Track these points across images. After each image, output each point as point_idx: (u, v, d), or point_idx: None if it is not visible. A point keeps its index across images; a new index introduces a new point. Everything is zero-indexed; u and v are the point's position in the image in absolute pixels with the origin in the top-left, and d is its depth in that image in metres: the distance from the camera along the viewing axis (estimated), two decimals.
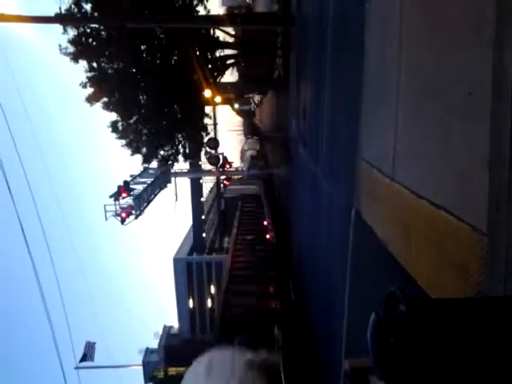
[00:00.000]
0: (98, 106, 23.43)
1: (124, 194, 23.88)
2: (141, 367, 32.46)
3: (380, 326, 1.90)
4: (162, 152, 25.54)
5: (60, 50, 21.87)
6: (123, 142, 24.51)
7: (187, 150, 27.23)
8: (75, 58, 21.78)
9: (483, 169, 2.91)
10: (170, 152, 25.79)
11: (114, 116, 24.12)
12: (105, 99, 23.06)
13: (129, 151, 24.79)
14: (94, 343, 25.13)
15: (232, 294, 16.25)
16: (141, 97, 23.36)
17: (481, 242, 2.92)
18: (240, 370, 10.09)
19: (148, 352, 33.98)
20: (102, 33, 21.36)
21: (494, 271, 2.78)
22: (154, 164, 27.10)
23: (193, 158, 30.27)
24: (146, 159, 25.41)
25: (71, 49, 21.57)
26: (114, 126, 24.32)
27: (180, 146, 26.28)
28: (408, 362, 1.71)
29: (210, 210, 52.04)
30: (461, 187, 3.23)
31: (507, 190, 2.68)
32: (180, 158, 26.83)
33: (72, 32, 21.16)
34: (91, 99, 23.06)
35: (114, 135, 24.45)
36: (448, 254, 3.35)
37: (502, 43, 2.77)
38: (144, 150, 24.68)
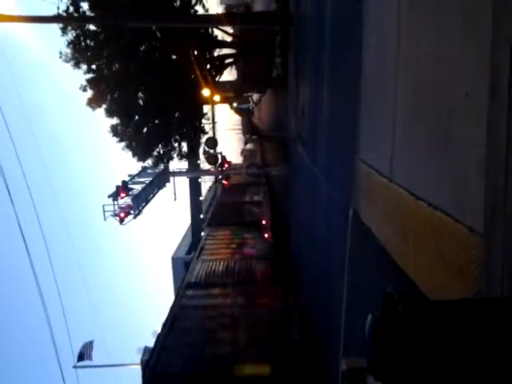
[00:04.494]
0: (99, 110, 23.51)
1: (123, 194, 23.85)
2: (139, 366, 32.39)
3: (377, 326, 1.91)
4: (157, 150, 25.61)
5: (60, 56, 21.93)
6: (123, 144, 24.58)
7: (184, 149, 27.29)
8: (76, 62, 21.81)
9: (480, 170, 2.92)
10: (165, 150, 25.87)
11: (114, 120, 24.20)
12: (106, 105, 23.10)
13: (128, 152, 24.87)
14: (92, 341, 25.01)
15: None
16: (140, 96, 23.39)
17: (477, 244, 2.93)
18: None
19: (146, 351, 33.86)
20: (101, 35, 21.33)
21: (491, 272, 2.80)
22: (149, 162, 27.15)
23: (189, 157, 30.27)
24: (141, 157, 25.48)
25: (71, 53, 21.59)
26: (114, 129, 24.38)
27: (176, 145, 26.35)
28: (405, 362, 1.72)
29: (208, 209, 52.04)
30: (458, 188, 3.25)
31: (503, 192, 2.69)
32: (176, 156, 26.91)
33: (71, 33, 21.17)
34: (92, 102, 23.08)
35: (115, 139, 24.54)
36: (445, 255, 3.36)
37: (498, 44, 2.78)
38: (140, 148, 24.75)
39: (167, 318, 14.08)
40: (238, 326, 12.71)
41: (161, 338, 12.95)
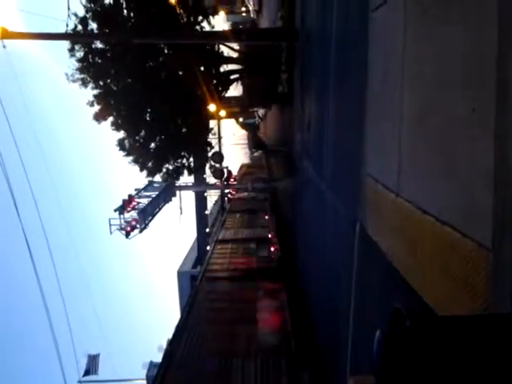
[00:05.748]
0: (105, 123, 23.76)
1: (129, 208, 23.97)
2: (144, 381, 32.15)
3: (385, 342, 1.90)
4: (167, 166, 25.76)
5: (67, 78, 22.26)
6: (130, 158, 24.75)
7: (192, 165, 27.41)
8: (83, 83, 22.12)
9: (488, 184, 2.91)
10: (174, 166, 26.01)
11: (121, 134, 24.40)
12: (112, 118, 23.31)
13: (135, 166, 25.03)
14: (98, 355, 24.93)
15: None
16: (147, 113, 23.58)
17: (486, 259, 2.91)
18: None
19: (152, 366, 33.60)
20: (108, 53, 21.62)
21: (500, 288, 2.77)
22: (159, 178, 27.31)
23: (197, 172, 30.43)
24: (151, 173, 25.64)
25: (78, 75, 21.92)
26: (121, 144, 24.56)
27: (185, 161, 26.48)
28: (413, 378, 1.70)
29: (214, 223, 52.00)
30: (466, 203, 3.23)
31: None
32: (185, 172, 27.05)
33: (78, 54, 21.49)
34: (99, 117, 23.30)
35: (122, 153, 24.73)
36: (453, 269, 3.34)
37: (505, 59, 2.79)
38: (149, 164, 24.89)
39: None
40: None
41: None
